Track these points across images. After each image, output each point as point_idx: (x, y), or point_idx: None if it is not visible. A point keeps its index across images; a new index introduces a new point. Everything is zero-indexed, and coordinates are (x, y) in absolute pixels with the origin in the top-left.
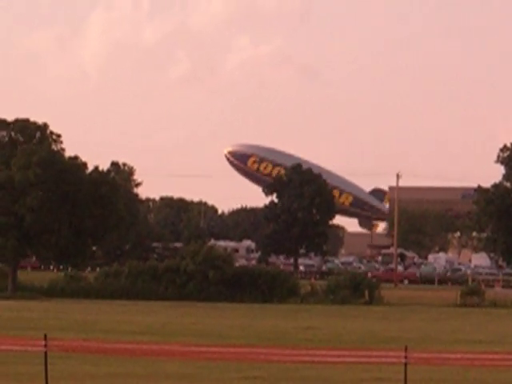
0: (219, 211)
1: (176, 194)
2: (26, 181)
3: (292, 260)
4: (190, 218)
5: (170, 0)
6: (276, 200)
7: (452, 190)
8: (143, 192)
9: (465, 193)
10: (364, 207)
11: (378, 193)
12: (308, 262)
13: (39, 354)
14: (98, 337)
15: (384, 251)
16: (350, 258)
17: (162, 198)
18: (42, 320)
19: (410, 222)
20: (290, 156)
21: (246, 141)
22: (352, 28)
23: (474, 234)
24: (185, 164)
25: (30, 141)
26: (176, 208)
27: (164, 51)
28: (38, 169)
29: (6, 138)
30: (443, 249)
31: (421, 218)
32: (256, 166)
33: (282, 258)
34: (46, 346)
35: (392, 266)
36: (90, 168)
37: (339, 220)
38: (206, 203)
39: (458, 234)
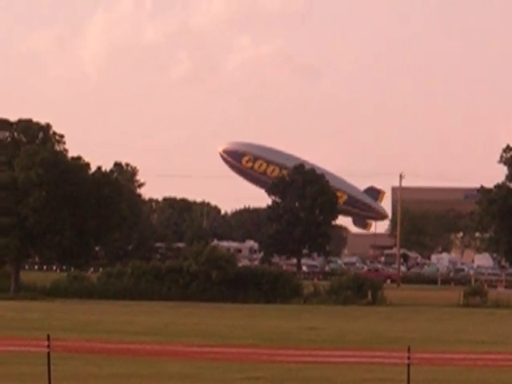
0: (222, 211)
1: (179, 195)
2: (29, 181)
3: (295, 260)
4: (193, 218)
5: (171, 0)
6: (279, 200)
7: (455, 190)
8: (146, 192)
9: (467, 193)
10: (358, 206)
11: (372, 192)
12: (311, 262)
13: (42, 354)
14: (100, 337)
15: (387, 251)
16: (353, 259)
17: (164, 199)
18: (45, 320)
19: (412, 223)
20: (282, 154)
21: (249, 141)
22: (353, 28)
23: (477, 234)
24: (187, 164)
25: (32, 141)
26: (179, 208)
27: (165, 51)
28: (40, 169)
29: (9, 139)
30: (446, 249)
31: (423, 219)
32: (250, 164)
33: (283, 258)
34: (48, 346)
35: (395, 266)
36: (93, 168)
37: (342, 220)
38: (208, 204)
39: (461, 234)
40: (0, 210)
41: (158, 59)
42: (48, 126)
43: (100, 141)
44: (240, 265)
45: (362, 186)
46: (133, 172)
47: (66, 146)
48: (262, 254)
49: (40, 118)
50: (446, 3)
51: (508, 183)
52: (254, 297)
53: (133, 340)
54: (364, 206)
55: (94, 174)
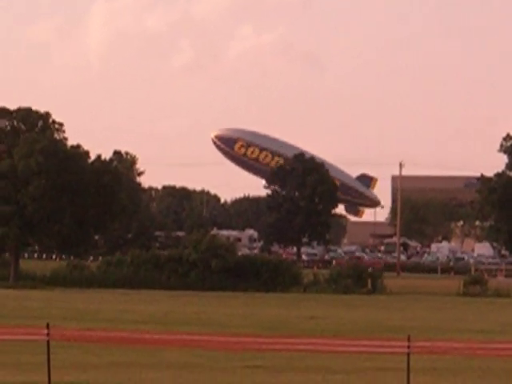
0: (222, 200)
1: (178, 183)
2: (29, 170)
3: (294, 249)
4: (193, 207)
5: None
6: (279, 189)
7: (455, 179)
8: (146, 181)
9: (467, 182)
10: (350, 193)
11: (364, 179)
12: (311, 251)
13: (42, 343)
14: (100, 326)
15: (387, 240)
16: (353, 247)
17: (164, 187)
18: (45, 309)
19: (412, 211)
20: (275, 140)
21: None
22: (354, 17)
23: (477, 223)
24: (187, 153)
25: (32, 129)
26: (178, 197)
27: (167, 40)
28: (40, 157)
29: (9, 127)
30: (446, 238)
31: (423, 207)
32: (243, 150)
33: (283, 246)
34: (48, 335)
35: (395, 255)
36: (93, 157)
37: (342, 209)
38: (208, 192)
39: (461, 223)
40: None
41: (159, 48)
42: (47, 115)
43: (99, 129)
44: (240, 253)
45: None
46: (132, 160)
47: (66, 135)
48: (261, 242)
49: (39, 107)
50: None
51: (508, 172)
52: (254, 285)
53: (132, 329)
54: (356, 193)
55: (93, 162)
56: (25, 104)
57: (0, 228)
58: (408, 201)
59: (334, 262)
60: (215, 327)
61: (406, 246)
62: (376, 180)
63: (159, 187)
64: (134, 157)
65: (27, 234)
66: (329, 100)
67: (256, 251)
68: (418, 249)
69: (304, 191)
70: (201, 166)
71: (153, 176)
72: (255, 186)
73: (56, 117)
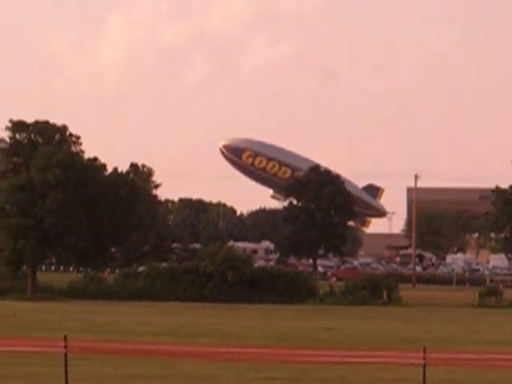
0: (238, 212)
1: (195, 196)
2: (46, 183)
3: (310, 261)
4: (209, 219)
5: (188, 3)
6: (295, 201)
7: (470, 190)
8: (162, 193)
9: (482, 193)
10: (357, 203)
11: (371, 189)
12: (327, 262)
13: (59, 355)
14: (117, 338)
15: (402, 252)
16: (369, 259)
17: (180, 200)
18: (62, 321)
19: (427, 223)
20: (283, 150)
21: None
22: (370, 29)
23: (492, 234)
24: (204, 165)
25: (49, 143)
26: (195, 209)
27: (182, 53)
28: (57, 170)
29: (26, 140)
30: (461, 249)
31: (439, 219)
32: (251, 160)
33: (294, 259)
34: (65, 347)
35: (410, 266)
36: (110, 170)
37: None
38: (224, 204)
39: (476, 234)
40: (17, 211)
41: (175, 61)
42: (64, 128)
43: (116, 142)
44: (256, 265)
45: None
46: (149, 173)
47: (83, 148)
48: (277, 254)
49: (56, 120)
50: (466, 4)
51: None
52: (270, 297)
53: (149, 341)
54: (363, 204)
55: (110, 175)
56: (42, 117)
57: (18, 241)
58: (423, 212)
59: (329, 273)
60: (232, 339)
61: (421, 258)
62: (383, 190)
63: (176, 200)
64: (151, 169)
65: (45, 247)
66: (343, 112)
67: (272, 263)
68: (434, 260)
69: (320, 203)
70: (217, 179)
71: (169, 188)
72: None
73: (73, 130)
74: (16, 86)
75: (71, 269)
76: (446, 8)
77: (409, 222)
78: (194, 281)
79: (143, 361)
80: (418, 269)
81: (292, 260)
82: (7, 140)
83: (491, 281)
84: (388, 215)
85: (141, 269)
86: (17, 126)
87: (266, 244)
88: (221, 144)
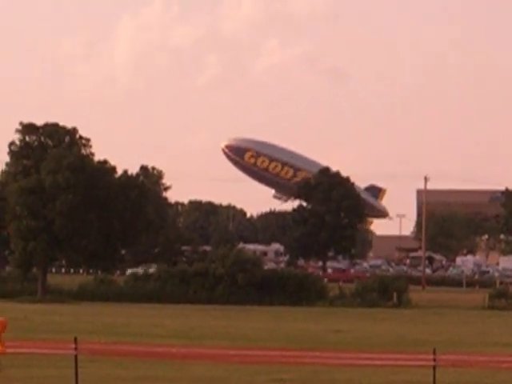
0: (248, 215)
1: (205, 198)
2: (56, 185)
3: (320, 263)
4: (219, 221)
5: (199, 4)
6: (304, 203)
7: (480, 192)
8: (172, 196)
9: (493, 195)
10: None
11: (373, 190)
12: (336, 265)
13: (69, 357)
14: (127, 340)
15: (412, 254)
16: (379, 261)
17: (190, 202)
18: (72, 323)
19: (437, 225)
20: (285, 151)
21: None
22: (381, 31)
23: (502, 236)
24: (213, 168)
25: (59, 145)
26: (205, 211)
27: (193, 55)
28: (67, 173)
29: (36, 143)
30: (471, 251)
31: (449, 221)
32: (253, 160)
33: (310, 260)
34: (76, 349)
35: (420, 268)
36: (119, 172)
37: (374, 224)
38: (234, 207)
39: (486, 236)
40: (27, 213)
41: (185, 63)
42: (74, 130)
43: (126, 144)
44: (266, 268)
45: (387, 188)
46: (159, 175)
47: (93, 150)
48: (287, 256)
49: (66, 122)
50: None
51: None
52: (280, 299)
53: (160, 343)
54: (365, 204)
55: (120, 177)
56: (52, 120)
57: (28, 243)
58: (433, 215)
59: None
60: (242, 341)
61: (431, 260)
62: (384, 191)
63: (185, 202)
64: (161, 172)
65: (55, 249)
66: (353, 114)
67: (282, 265)
68: (443, 262)
69: (329, 205)
70: (227, 181)
71: (179, 191)
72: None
73: (83, 132)
74: (26, 88)
75: (81, 271)
76: (456, 10)
77: (419, 224)
78: (204, 283)
79: (154, 363)
80: (428, 271)
81: (302, 262)
82: (17, 143)
83: (501, 283)
84: (389, 216)
85: (151, 270)
86: (27, 129)
87: (276, 246)
88: (223, 144)
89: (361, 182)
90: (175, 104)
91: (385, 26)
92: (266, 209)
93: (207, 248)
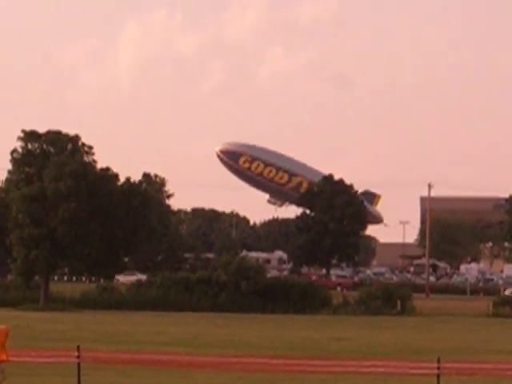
0: (251, 222)
1: (208, 205)
2: (58, 193)
3: (324, 271)
4: (222, 228)
5: (203, 11)
6: (308, 211)
7: (484, 200)
8: (175, 203)
9: (497, 203)
10: None
11: (367, 195)
12: (340, 272)
13: (72, 365)
14: (130, 348)
15: (416, 262)
16: (382, 269)
17: (193, 209)
18: (75, 331)
19: (441, 233)
20: (280, 156)
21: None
22: (385, 38)
23: (506, 244)
24: (216, 175)
25: (61, 152)
26: (208, 219)
27: (197, 62)
28: (69, 180)
29: (38, 150)
30: (475, 259)
31: (452, 228)
32: (247, 165)
33: (307, 268)
34: (79, 357)
35: (424, 276)
36: (122, 179)
37: (371, 231)
38: (237, 214)
39: (490, 244)
40: (29, 221)
41: (189, 70)
42: (77, 138)
43: (129, 152)
44: (269, 275)
45: (390, 195)
46: (161, 183)
47: (95, 157)
48: (290, 264)
49: (69, 130)
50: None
51: None
52: (283, 307)
53: (163, 351)
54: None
55: (122, 185)
56: (54, 127)
57: (30, 251)
58: (437, 222)
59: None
60: (245, 349)
61: (435, 267)
62: (379, 197)
63: (188, 209)
64: (163, 179)
65: (57, 257)
66: (359, 121)
67: (285, 273)
68: (447, 270)
69: (333, 213)
70: (230, 188)
71: (182, 198)
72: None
73: (85, 140)
74: (28, 95)
75: (84, 279)
76: (461, 16)
77: (422, 232)
78: (208, 291)
79: (157, 371)
80: (432, 278)
81: (305, 270)
82: (20, 150)
83: (505, 290)
84: (384, 223)
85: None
86: (29, 136)
87: (279, 254)
88: (217, 148)
89: (361, 189)
90: (179, 111)
91: (389, 32)
92: (269, 216)
93: (210, 255)
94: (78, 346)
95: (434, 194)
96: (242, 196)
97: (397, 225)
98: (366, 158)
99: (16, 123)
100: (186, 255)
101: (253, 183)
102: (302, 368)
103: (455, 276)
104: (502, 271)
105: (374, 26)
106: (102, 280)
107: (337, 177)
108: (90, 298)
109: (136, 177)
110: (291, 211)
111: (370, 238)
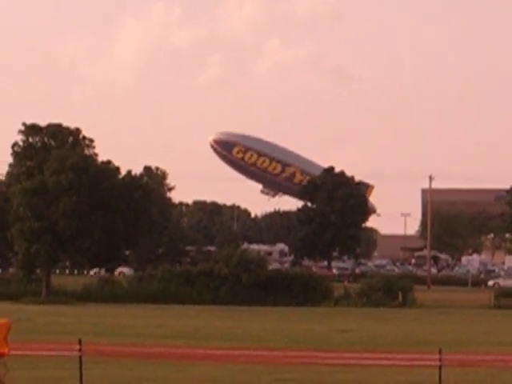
0: (252, 215)
1: (209, 198)
2: (59, 186)
3: (325, 263)
4: (223, 221)
5: (201, 5)
6: (309, 203)
7: (485, 191)
8: (176, 196)
9: (498, 194)
10: None
11: (361, 186)
12: (341, 264)
13: (74, 358)
14: (132, 341)
15: (417, 254)
16: (384, 261)
17: (194, 202)
18: (76, 324)
19: (443, 224)
20: (274, 146)
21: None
22: (384, 31)
23: (507, 235)
24: (217, 168)
25: (62, 146)
26: (209, 212)
27: (195, 56)
28: (70, 174)
29: (39, 143)
30: (477, 251)
31: (454, 220)
32: (241, 155)
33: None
34: (80, 350)
35: (426, 268)
36: (123, 172)
37: (372, 222)
38: (238, 207)
39: (491, 235)
40: (31, 214)
41: (187, 64)
42: (78, 131)
43: (130, 145)
44: (270, 268)
45: (392, 187)
46: (162, 176)
47: (96, 151)
48: (292, 256)
49: (70, 123)
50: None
51: None
52: (285, 300)
53: (164, 343)
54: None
55: (123, 178)
56: (55, 120)
57: (32, 244)
58: (438, 214)
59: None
60: (247, 342)
61: (436, 259)
62: (372, 187)
63: (190, 202)
64: (165, 172)
65: (58, 250)
66: (358, 113)
67: (287, 265)
68: (449, 262)
69: (334, 205)
70: (231, 181)
71: (183, 191)
72: (285, 201)
73: (86, 133)
74: (29, 89)
75: (85, 272)
76: (461, 9)
77: (424, 224)
78: (209, 283)
79: (158, 364)
80: (433, 270)
81: (306, 262)
82: (20, 143)
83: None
84: (377, 213)
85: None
86: (30, 130)
87: (281, 246)
88: (211, 138)
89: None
90: (178, 104)
91: (388, 26)
92: (270, 209)
93: (211, 248)
94: (80, 339)
95: (435, 185)
96: (243, 189)
97: (398, 217)
98: (365, 150)
99: (17, 116)
100: (188, 248)
101: (246, 173)
102: (304, 360)
103: (456, 268)
104: (503, 263)
105: (371, 19)
106: (101, 272)
107: (336, 169)
108: (91, 291)
109: (137, 170)
110: (292, 203)
111: (372, 230)
